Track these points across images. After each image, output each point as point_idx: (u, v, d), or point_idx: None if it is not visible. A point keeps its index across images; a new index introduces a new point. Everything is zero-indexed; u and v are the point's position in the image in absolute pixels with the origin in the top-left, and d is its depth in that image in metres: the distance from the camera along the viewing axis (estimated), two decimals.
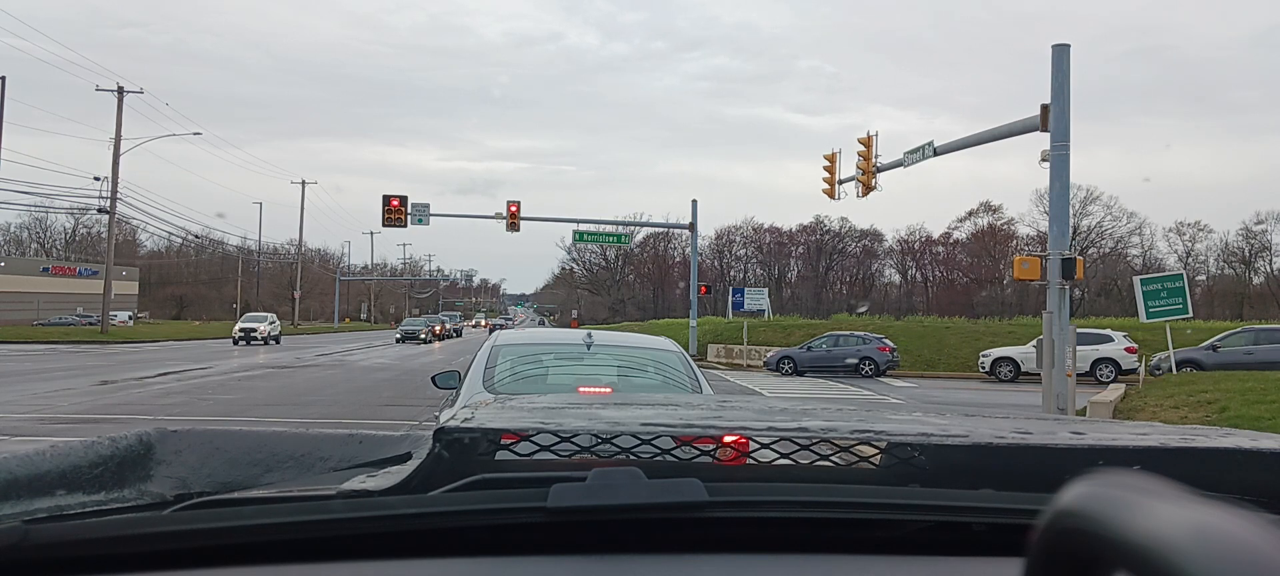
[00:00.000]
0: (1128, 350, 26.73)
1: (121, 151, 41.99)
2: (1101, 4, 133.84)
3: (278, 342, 46.84)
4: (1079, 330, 23.39)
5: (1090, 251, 73.54)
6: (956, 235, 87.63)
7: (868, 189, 22.15)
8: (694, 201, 41.21)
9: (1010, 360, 28.93)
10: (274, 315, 52.35)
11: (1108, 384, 21.29)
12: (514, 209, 37.16)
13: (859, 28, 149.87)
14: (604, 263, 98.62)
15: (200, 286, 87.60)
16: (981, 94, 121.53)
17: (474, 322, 77.28)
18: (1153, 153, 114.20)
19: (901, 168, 21.22)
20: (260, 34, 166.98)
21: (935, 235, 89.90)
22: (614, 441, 1.15)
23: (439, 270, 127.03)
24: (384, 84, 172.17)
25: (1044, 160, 15.11)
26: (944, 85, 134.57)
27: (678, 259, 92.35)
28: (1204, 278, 77.97)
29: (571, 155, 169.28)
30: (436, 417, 1.35)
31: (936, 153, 19.93)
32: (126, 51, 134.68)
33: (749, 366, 35.92)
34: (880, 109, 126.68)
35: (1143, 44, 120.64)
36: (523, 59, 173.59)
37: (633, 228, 62.75)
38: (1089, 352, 26.11)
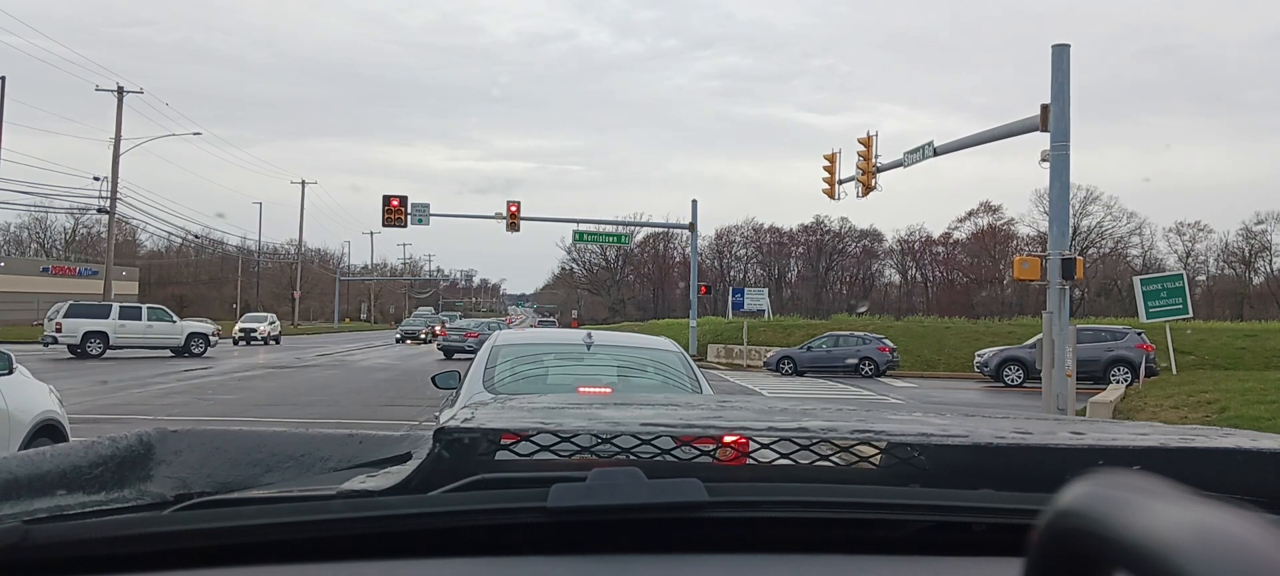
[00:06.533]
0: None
1: (121, 151, 42.00)
2: (1117, 2, 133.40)
3: (278, 342, 46.88)
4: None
5: (1090, 251, 73.53)
6: (956, 235, 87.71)
7: (867, 189, 22.16)
8: (694, 201, 41.27)
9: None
10: (274, 315, 52.33)
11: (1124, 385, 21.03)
12: (514, 209, 37.17)
13: (874, 26, 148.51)
14: (604, 263, 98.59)
15: (200, 286, 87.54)
16: (994, 93, 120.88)
17: (429, 331, 59.96)
18: (1160, 152, 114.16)
19: (902, 168, 21.23)
20: (269, 32, 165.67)
21: (935, 235, 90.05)
22: (614, 441, 1.15)
23: (439, 270, 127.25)
24: (393, 83, 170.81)
25: (1044, 160, 15.12)
26: (957, 84, 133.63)
27: (678, 259, 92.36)
28: (1204, 278, 78.00)
29: (579, 155, 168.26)
30: (436, 417, 1.35)
31: (936, 153, 19.94)
32: (134, 50, 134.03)
33: (749, 366, 35.92)
34: (891, 108, 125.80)
35: (1157, 43, 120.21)
36: (534, 58, 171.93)
37: (632, 228, 62.71)
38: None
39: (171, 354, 31.39)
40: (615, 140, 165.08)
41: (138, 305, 33.27)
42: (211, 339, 32.99)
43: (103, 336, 30.01)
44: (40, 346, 30.01)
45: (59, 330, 29.70)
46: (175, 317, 33.20)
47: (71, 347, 29.58)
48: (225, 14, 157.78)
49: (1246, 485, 1.08)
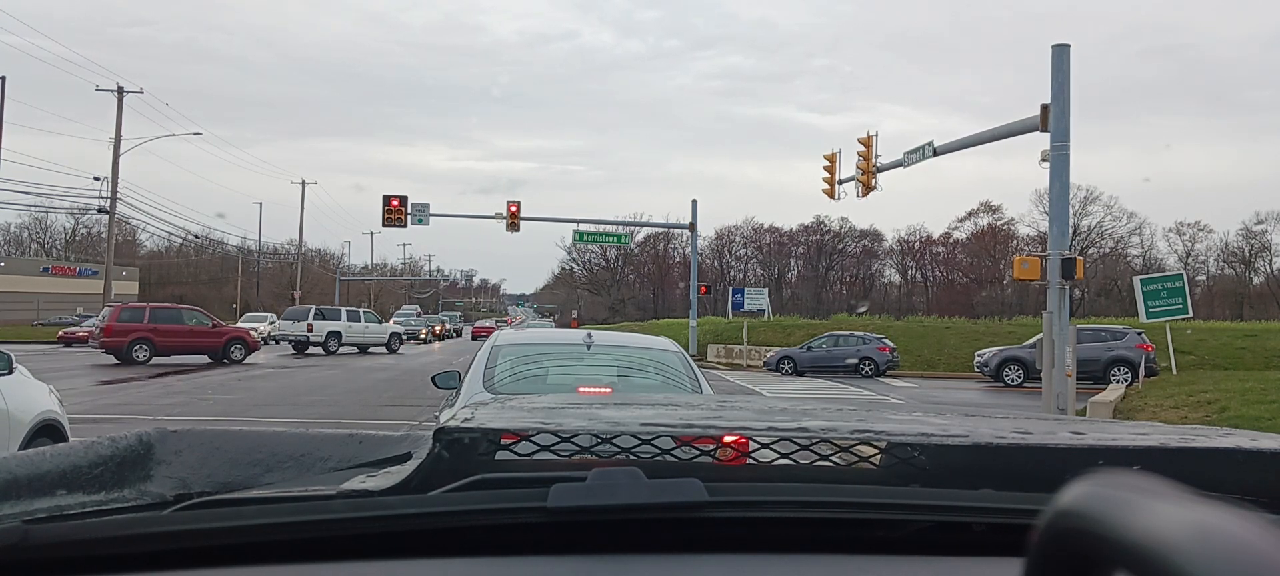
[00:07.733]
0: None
1: (121, 151, 41.95)
2: (1117, 2, 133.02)
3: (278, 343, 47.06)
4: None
5: (1090, 251, 73.53)
6: (956, 235, 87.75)
7: (867, 189, 22.15)
8: (694, 201, 41.28)
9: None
10: (274, 315, 52.30)
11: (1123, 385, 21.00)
12: (514, 209, 37.16)
13: (876, 26, 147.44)
14: (604, 262, 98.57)
15: (200, 286, 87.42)
16: (994, 93, 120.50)
17: (429, 331, 60.48)
18: (1160, 152, 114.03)
19: (902, 168, 21.23)
20: (271, 32, 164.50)
21: (935, 235, 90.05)
22: (614, 441, 1.15)
23: (439, 270, 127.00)
24: (394, 83, 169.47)
25: (1044, 160, 15.12)
26: (958, 84, 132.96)
27: (678, 259, 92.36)
28: (1204, 278, 78.03)
29: (580, 155, 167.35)
30: (436, 417, 1.35)
31: (937, 153, 19.93)
32: (135, 50, 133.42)
33: (749, 366, 35.91)
34: (892, 108, 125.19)
35: (1158, 43, 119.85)
36: (535, 58, 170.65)
37: (632, 228, 62.68)
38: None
39: (357, 350, 37.80)
40: (616, 140, 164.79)
41: (357, 310, 40.64)
42: (403, 337, 40.79)
43: (338, 335, 36.62)
44: (274, 343, 37.91)
45: (310, 330, 36.18)
46: (381, 320, 41.36)
47: (298, 344, 36.14)
48: (226, 14, 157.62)
49: (1246, 485, 1.08)
